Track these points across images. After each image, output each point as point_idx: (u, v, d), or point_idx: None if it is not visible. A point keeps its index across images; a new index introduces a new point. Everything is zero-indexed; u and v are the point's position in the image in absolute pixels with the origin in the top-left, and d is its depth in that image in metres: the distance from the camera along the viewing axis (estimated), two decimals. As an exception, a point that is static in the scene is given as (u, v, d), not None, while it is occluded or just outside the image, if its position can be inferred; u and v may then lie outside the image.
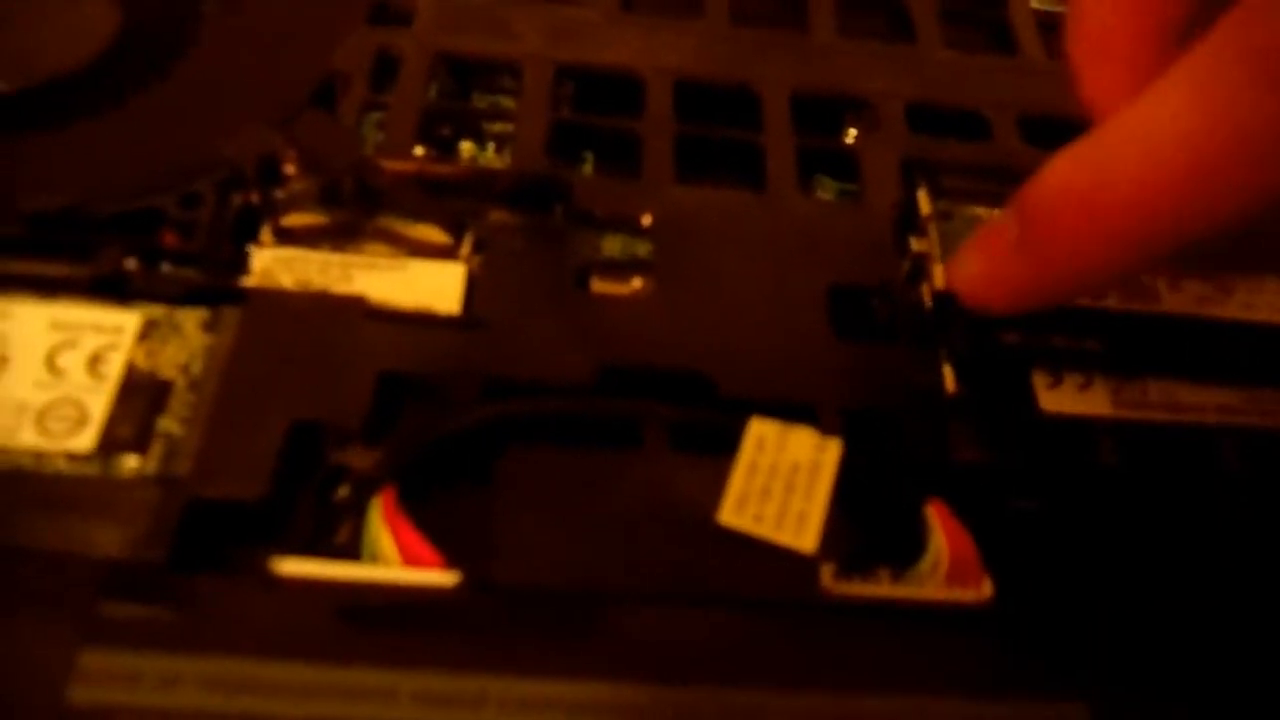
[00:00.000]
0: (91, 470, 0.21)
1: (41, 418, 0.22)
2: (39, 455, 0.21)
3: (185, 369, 0.23)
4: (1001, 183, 0.29)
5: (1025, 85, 0.33)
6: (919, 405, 0.25)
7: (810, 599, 0.21)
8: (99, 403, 0.22)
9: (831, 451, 0.23)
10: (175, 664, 0.19)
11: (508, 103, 0.31)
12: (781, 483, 0.22)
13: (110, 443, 0.22)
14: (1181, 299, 0.27)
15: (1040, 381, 0.26)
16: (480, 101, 0.31)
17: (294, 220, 0.26)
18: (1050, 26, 0.35)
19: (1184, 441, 0.26)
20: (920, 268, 0.28)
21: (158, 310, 0.24)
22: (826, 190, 0.31)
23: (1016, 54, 0.34)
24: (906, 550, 0.22)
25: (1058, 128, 0.31)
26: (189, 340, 0.23)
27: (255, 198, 0.26)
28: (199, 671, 0.19)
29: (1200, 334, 0.27)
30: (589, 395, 0.24)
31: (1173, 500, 0.24)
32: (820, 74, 0.32)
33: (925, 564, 0.22)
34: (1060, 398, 0.26)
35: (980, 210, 0.28)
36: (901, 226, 0.28)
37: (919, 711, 0.20)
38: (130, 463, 0.21)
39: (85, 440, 0.21)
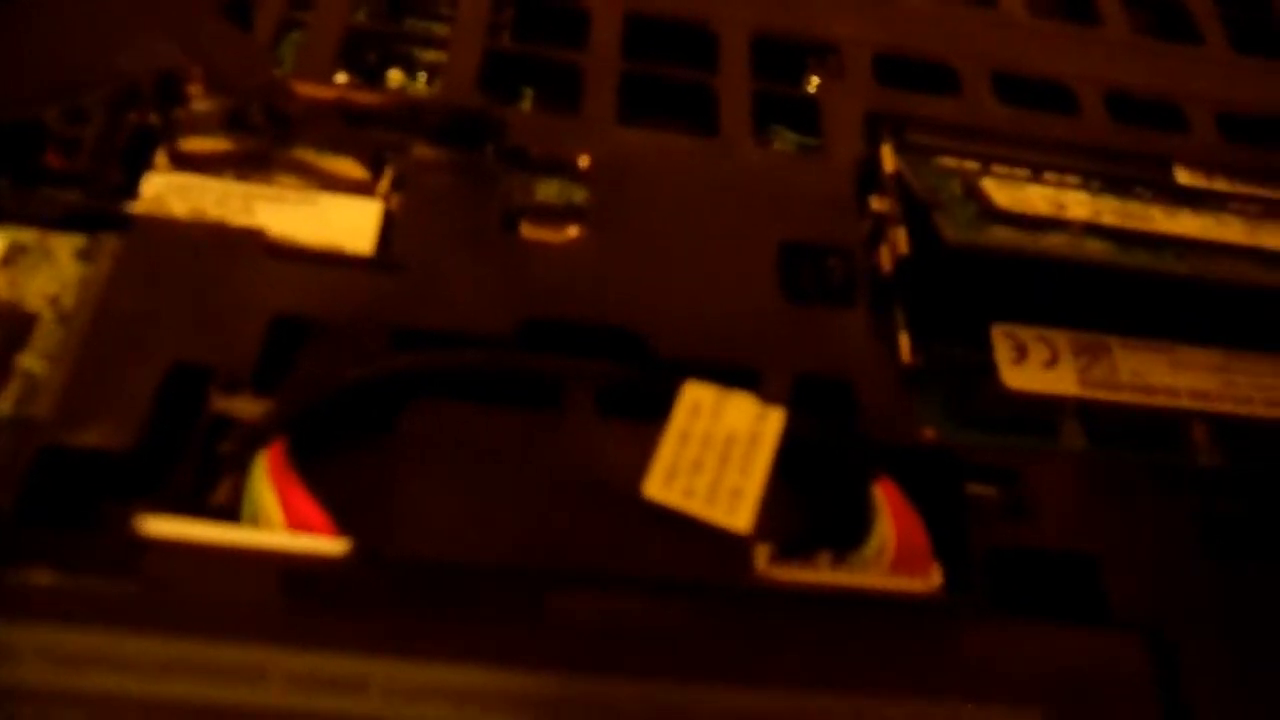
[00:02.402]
0: (-65, 409, 0.19)
1: (-118, 348, 0.19)
2: (-125, 389, 0.19)
3: (54, 301, 0.21)
4: (971, 141, 0.28)
5: (1001, 39, 0.31)
6: (872, 375, 0.23)
7: (742, 583, 0.19)
8: (-50, 334, 0.20)
9: (772, 422, 0.21)
10: (12, 635, 0.16)
11: (442, 30, 0.29)
12: (716, 454, 0.20)
13: (-40, 378, 0.19)
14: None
15: (1004, 357, 0.25)
16: (413, 28, 0.29)
17: (194, 145, 0.25)
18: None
19: (1154, 425, 0.24)
20: (881, 228, 0.26)
21: (27, 234, 0.21)
22: (784, 142, 0.29)
23: (995, 6, 0.32)
24: (850, 532, 0.20)
25: (1032, 86, 0.30)
26: (61, 269, 0.21)
27: (152, 117, 0.24)
28: (39, 644, 0.16)
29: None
30: (509, 349, 0.22)
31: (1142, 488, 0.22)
32: (783, 15, 0.30)
33: (870, 548, 0.20)
34: (1025, 374, 0.24)
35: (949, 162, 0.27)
36: (863, 184, 0.27)
37: (856, 712, 0.18)
38: (-19, 402, 0.19)
39: (-70, 375, 0.19)
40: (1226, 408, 0.25)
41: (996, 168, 0.27)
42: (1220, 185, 0.28)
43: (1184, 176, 0.28)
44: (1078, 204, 0.25)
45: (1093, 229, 0.25)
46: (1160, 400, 0.25)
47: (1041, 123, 0.28)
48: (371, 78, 0.28)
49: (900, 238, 0.25)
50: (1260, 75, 0.32)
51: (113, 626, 0.17)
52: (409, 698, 0.17)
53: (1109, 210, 0.25)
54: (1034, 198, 0.25)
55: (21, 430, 0.19)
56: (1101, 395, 0.25)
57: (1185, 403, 0.25)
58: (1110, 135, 0.29)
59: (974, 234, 0.24)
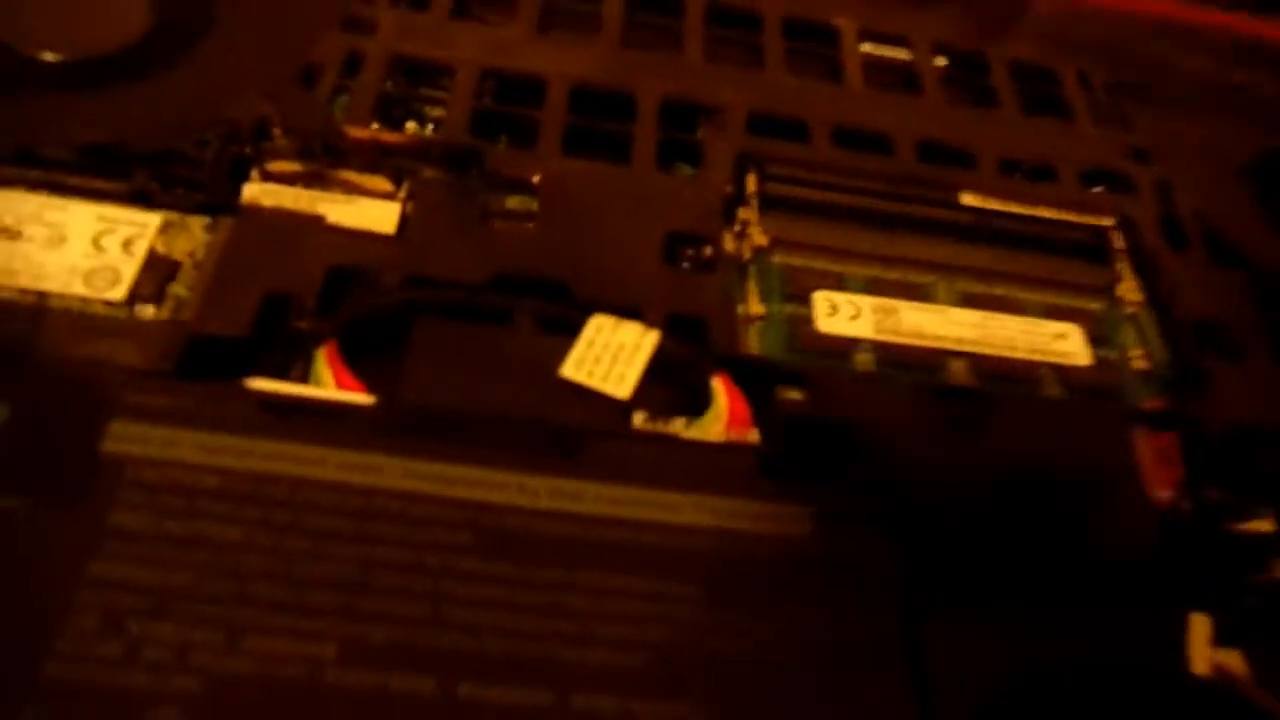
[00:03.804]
0: (121, 313, 0.30)
1: (88, 277, 0.31)
2: (85, 300, 0.30)
3: (192, 255, 0.32)
4: (813, 172, 0.39)
5: (843, 105, 0.42)
6: (722, 317, 0.34)
7: (623, 432, 0.30)
8: (129, 270, 0.31)
9: (650, 338, 0.32)
10: (176, 434, 0.27)
11: (444, 94, 0.40)
12: (610, 354, 0.31)
13: (136, 296, 0.31)
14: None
15: (821, 311, 0.36)
16: (425, 93, 0.41)
17: (276, 167, 0.35)
18: (871, 66, 0.45)
19: (925, 359, 0.35)
20: (745, 230, 0.37)
21: (174, 216, 0.33)
22: (684, 174, 0.40)
23: (842, 82, 0.44)
24: (698, 406, 0.31)
25: (862, 138, 0.41)
26: (195, 237, 0.32)
27: (249, 149, 0.36)
28: (192, 440, 0.27)
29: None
30: (482, 290, 0.33)
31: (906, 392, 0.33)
32: (686, 86, 0.41)
33: (710, 416, 0.31)
34: (835, 323, 0.36)
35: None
36: (733, 200, 0.38)
37: (694, 464, 0.29)
38: (149, 311, 0.30)
39: (118, 293, 0.30)
40: (979, 349, 0.36)
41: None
42: (995, 205, 0.40)
43: (967, 199, 0.40)
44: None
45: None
46: (932, 343, 0.36)
47: (864, 161, 0.40)
48: (395, 126, 0.39)
49: (757, 234, 0.37)
50: (1041, 132, 0.43)
51: (233, 432, 0.28)
52: (415, 477, 0.28)
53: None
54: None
55: (176, 327, 0.30)
56: (889, 339, 0.36)
57: (951, 345, 0.36)
58: (915, 170, 0.40)
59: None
